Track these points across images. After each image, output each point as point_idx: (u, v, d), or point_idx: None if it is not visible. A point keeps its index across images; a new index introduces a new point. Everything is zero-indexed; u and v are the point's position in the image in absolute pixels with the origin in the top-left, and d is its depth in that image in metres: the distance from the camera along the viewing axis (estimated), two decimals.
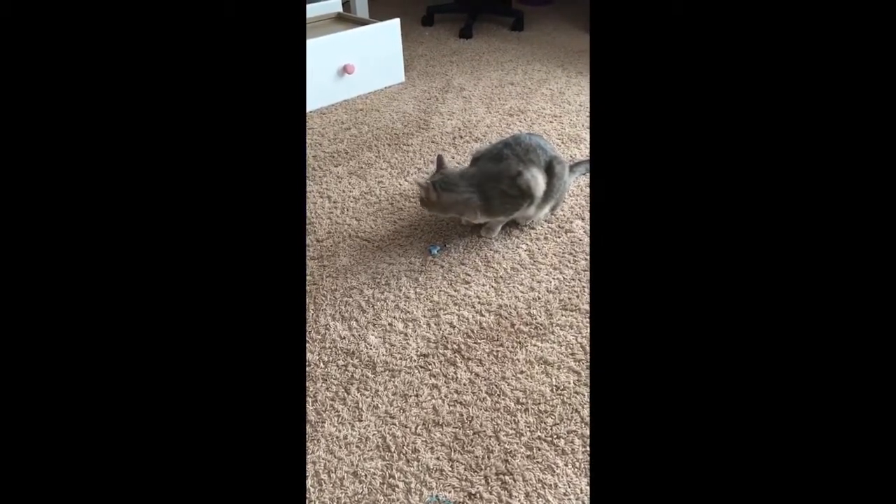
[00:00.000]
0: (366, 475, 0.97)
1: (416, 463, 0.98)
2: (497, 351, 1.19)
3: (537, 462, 0.97)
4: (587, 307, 1.29)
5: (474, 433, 1.03)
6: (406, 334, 1.25)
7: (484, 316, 1.28)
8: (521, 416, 1.05)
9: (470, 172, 1.46)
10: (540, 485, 0.94)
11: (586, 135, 2.02)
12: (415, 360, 1.18)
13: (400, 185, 1.78)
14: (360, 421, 1.06)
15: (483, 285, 1.37)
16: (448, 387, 1.12)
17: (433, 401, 1.09)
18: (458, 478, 0.96)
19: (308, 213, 1.66)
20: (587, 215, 1.60)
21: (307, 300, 1.35)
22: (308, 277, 1.42)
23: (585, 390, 1.10)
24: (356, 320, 1.29)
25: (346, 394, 1.11)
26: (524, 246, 1.50)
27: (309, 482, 0.96)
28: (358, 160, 1.93)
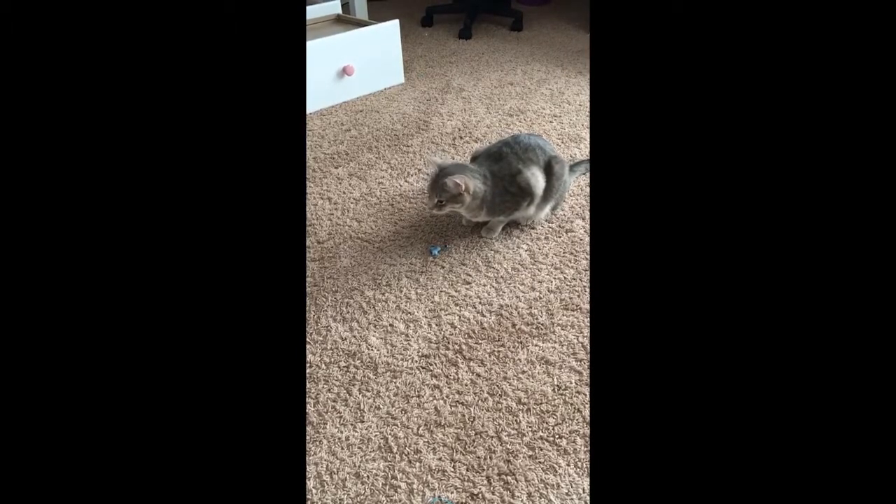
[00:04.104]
0: (368, 476, 0.97)
1: (418, 464, 0.98)
2: (498, 351, 1.19)
3: (539, 462, 0.97)
4: (588, 307, 1.29)
5: (476, 433, 1.03)
6: (407, 335, 1.24)
7: (485, 316, 1.28)
8: (523, 417, 1.05)
9: (472, 168, 1.46)
10: (542, 485, 0.94)
11: (586, 134, 2.02)
12: (416, 361, 1.18)
13: (400, 186, 1.78)
14: (362, 422, 1.06)
15: (484, 285, 1.37)
16: (450, 387, 1.12)
17: (435, 401, 1.09)
18: (460, 478, 0.96)
19: (309, 215, 1.66)
20: (588, 215, 1.60)
21: (308, 302, 1.35)
22: (309, 279, 1.42)
23: (587, 390, 1.10)
24: (357, 321, 1.29)
25: (347, 395, 1.11)
26: (525, 246, 1.50)
27: (311, 483, 0.96)
28: (358, 161, 1.93)
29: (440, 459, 0.99)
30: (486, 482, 0.95)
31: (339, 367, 1.18)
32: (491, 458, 0.98)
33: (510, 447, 1.00)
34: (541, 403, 1.07)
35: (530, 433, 1.02)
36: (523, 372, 1.14)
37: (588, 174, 1.76)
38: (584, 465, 0.97)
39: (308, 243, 1.55)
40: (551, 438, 1.01)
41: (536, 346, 1.20)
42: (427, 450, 1.00)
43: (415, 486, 0.95)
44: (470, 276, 1.41)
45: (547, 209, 1.54)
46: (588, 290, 1.34)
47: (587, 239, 1.51)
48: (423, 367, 1.16)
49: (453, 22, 3.27)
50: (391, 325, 1.27)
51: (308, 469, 0.98)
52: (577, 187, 1.72)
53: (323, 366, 1.18)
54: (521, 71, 2.59)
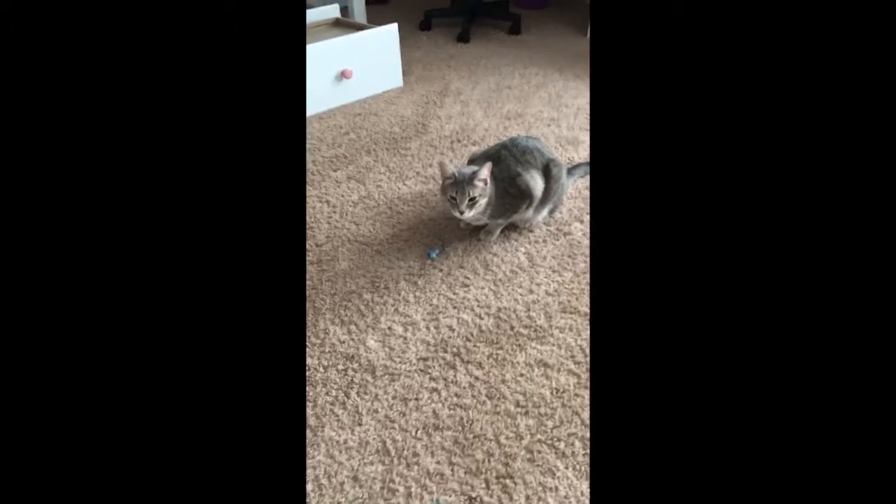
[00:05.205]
0: (366, 479, 0.97)
1: (416, 467, 0.98)
2: (496, 354, 1.19)
3: (538, 465, 0.97)
4: (587, 309, 1.29)
5: (474, 436, 1.03)
6: (405, 338, 1.24)
7: (483, 319, 1.28)
8: (522, 420, 1.05)
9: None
10: (541, 488, 0.94)
11: (584, 137, 2.02)
12: (414, 364, 1.18)
13: (399, 189, 1.79)
14: (360, 425, 1.06)
15: (482, 288, 1.37)
16: (448, 390, 1.12)
17: (433, 404, 1.09)
18: (458, 481, 0.96)
19: (307, 218, 1.66)
20: (586, 218, 1.60)
21: (307, 305, 1.35)
22: (307, 282, 1.42)
23: (585, 393, 1.10)
24: (355, 324, 1.29)
25: (345, 398, 1.11)
26: (523, 249, 1.50)
27: (309, 487, 0.96)
28: (356, 165, 1.93)
29: (438, 463, 0.99)
30: (484, 485, 0.95)
31: (337, 371, 1.17)
32: (489, 461, 0.98)
33: (508, 450, 1.00)
34: (539, 406, 1.07)
35: (528, 436, 1.02)
36: (521, 375, 1.14)
37: (586, 177, 1.76)
38: (583, 469, 0.97)
39: (306, 246, 1.55)
40: (550, 441, 1.01)
41: (535, 348, 1.20)
42: (425, 453, 1.00)
43: (413, 490, 0.95)
44: (468, 279, 1.41)
45: (544, 212, 1.54)
46: (586, 292, 1.34)
47: (585, 242, 1.51)
48: (421, 371, 1.16)
49: (451, 26, 3.27)
50: (389, 328, 1.27)
51: (306, 472, 0.98)
52: (575, 190, 1.72)
53: (321, 369, 1.18)
54: (518, 74, 2.60)
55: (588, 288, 1.36)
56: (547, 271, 1.42)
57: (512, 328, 1.25)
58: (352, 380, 1.15)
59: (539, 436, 1.02)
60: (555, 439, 1.01)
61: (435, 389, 1.12)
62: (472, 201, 1.37)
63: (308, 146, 2.06)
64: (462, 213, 1.38)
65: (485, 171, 1.36)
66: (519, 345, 1.21)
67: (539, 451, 0.99)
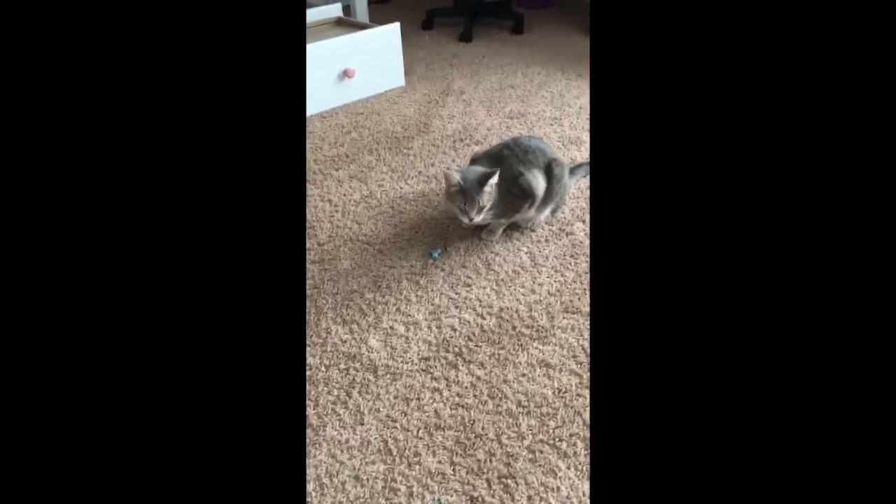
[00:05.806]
0: (367, 479, 0.97)
1: (417, 466, 0.98)
2: (498, 354, 1.19)
3: (539, 465, 0.97)
4: (588, 309, 1.29)
5: (476, 436, 1.03)
6: (407, 338, 1.24)
7: (485, 319, 1.28)
8: (523, 419, 1.05)
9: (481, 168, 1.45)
10: (542, 488, 0.94)
11: (586, 137, 2.02)
12: (416, 364, 1.18)
13: (401, 188, 1.79)
14: (362, 425, 1.06)
15: (484, 288, 1.37)
16: (450, 390, 1.12)
17: (435, 404, 1.09)
18: (460, 481, 0.95)
19: (309, 217, 1.66)
20: (588, 218, 1.60)
21: (308, 304, 1.35)
22: (309, 281, 1.42)
23: (588, 393, 1.09)
24: (357, 324, 1.29)
25: (347, 397, 1.11)
26: (525, 249, 1.50)
27: (311, 486, 0.96)
28: (359, 164, 1.93)
29: (440, 462, 0.99)
30: (486, 485, 0.95)
31: (338, 370, 1.17)
32: (491, 461, 0.98)
33: (510, 450, 1.00)
34: (541, 406, 1.07)
35: (530, 436, 1.02)
36: (523, 375, 1.14)
37: (588, 177, 1.76)
38: (585, 469, 0.96)
39: (308, 245, 1.55)
40: (551, 441, 1.01)
41: (537, 348, 1.20)
42: (427, 453, 1.00)
43: (414, 489, 0.94)
44: (470, 278, 1.41)
45: (547, 211, 1.54)
46: (588, 292, 1.34)
47: (587, 242, 1.51)
48: (423, 370, 1.16)
49: (454, 25, 3.27)
50: (391, 327, 1.27)
51: (308, 472, 0.98)
52: (578, 190, 1.72)
53: (323, 368, 1.18)
54: (521, 74, 2.60)
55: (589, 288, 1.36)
56: (549, 271, 1.42)
57: (514, 328, 1.25)
58: (353, 379, 1.15)
59: (541, 436, 1.02)
60: (557, 439, 1.01)
61: (437, 389, 1.12)
62: (482, 208, 1.38)
63: (310, 145, 2.06)
64: (472, 219, 1.39)
65: (494, 178, 1.36)
66: (521, 345, 1.21)
67: (541, 452, 0.99)
